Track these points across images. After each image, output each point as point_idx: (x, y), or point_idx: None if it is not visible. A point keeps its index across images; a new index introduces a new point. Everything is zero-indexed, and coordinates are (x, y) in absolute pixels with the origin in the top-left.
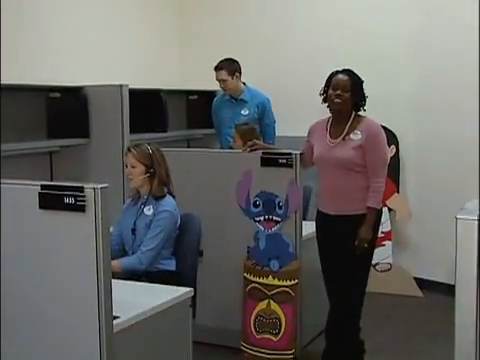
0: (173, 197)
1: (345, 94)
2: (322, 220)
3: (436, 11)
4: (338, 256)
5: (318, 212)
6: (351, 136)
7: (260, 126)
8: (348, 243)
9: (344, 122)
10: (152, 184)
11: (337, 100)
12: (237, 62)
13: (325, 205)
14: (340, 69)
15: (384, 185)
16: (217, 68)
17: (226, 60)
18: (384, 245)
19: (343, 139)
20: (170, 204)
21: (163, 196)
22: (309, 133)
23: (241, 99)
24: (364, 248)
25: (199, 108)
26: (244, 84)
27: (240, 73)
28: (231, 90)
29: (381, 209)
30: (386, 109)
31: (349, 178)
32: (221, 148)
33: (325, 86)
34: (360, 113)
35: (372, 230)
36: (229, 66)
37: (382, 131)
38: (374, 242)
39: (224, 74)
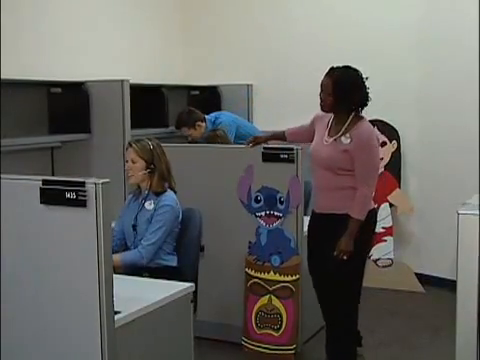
0: (174, 192)
1: (328, 98)
2: (311, 217)
3: (439, 3)
4: (320, 258)
5: (312, 210)
6: (342, 139)
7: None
8: (328, 244)
9: (342, 122)
10: (152, 180)
11: (321, 103)
12: (194, 112)
13: (314, 202)
14: (335, 66)
15: (371, 196)
16: (177, 126)
17: (183, 115)
18: (385, 240)
19: (334, 140)
20: (171, 199)
21: (164, 191)
22: (315, 118)
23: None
24: (343, 260)
25: (201, 103)
26: (205, 120)
27: (201, 119)
28: (199, 138)
29: (375, 213)
30: (387, 104)
31: (330, 178)
32: None
33: None
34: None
35: (353, 241)
36: (188, 120)
37: (374, 138)
38: (363, 253)
39: (186, 130)
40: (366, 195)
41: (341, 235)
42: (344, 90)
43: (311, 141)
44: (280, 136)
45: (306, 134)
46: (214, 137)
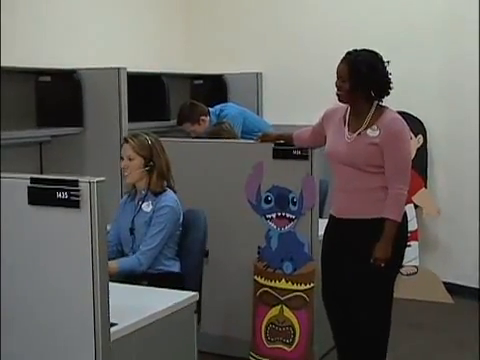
0: (174, 192)
1: (344, 85)
2: (329, 223)
3: None
4: (343, 271)
5: (329, 215)
6: (368, 132)
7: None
8: (356, 257)
9: (363, 114)
10: (150, 178)
11: (337, 92)
12: (196, 105)
13: (333, 205)
14: (351, 50)
15: (406, 193)
16: (179, 122)
17: (186, 109)
18: (410, 246)
19: (359, 134)
20: (171, 199)
21: (163, 191)
22: (324, 117)
23: None
24: (380, 268)
25: (205, 94)
26: (209, 113)
27: (205, 113)
28: (204, 133)
29: (406, 216)
30: (412, 94)
31: (362, 179)
32: None
33: None
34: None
35: (391, 247)
36: (191, 115)
37: (405, 128)
38: (398, 263)
39: (189, 126)
40: (400, 194)
41: (372, 242)
42: (362, 74)
43: (322, 145)
44: (288, 138)
45: (315, 138)
46: (219, 131)
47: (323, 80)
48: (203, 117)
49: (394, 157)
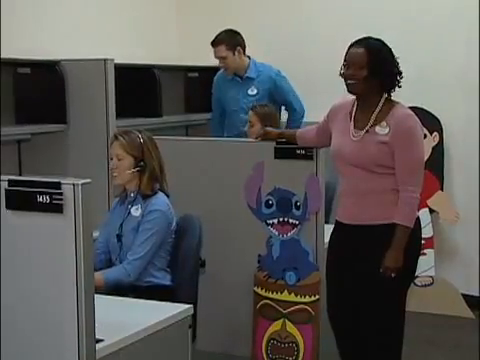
0: (167, 196)
1: (359, 73)
2: (334, 230)
3: None
4: (350, 281)
5: (335, 221)
6: (376, 129)
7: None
8: (364, 266)
9: (371, 109)
10: (141, 180)
11: (350, 81)
12: (239, 34)
13: (339, 210)
14: (361, 37)
15: (419, 196)
16: (214, 43)
17: (224, 32)
18: (425, 254)
19: (367, 131)
20: (161, 202)
21: (153, 194)
22: (329, 114)
23: (247, 77)
24: (391, 279)
25: (200, 88)
26: (249, 58)
27: (243, 47)
28: (233, 69)
29: (419, 221)
30: (427, 88)
31: (370, 181)
32: (219, 136)
33: (343, 62)
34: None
35: (402, 255)
36: (229, 39)
37: (417, 125)
38: (410, 273)
39: (223, 50)
40: (412, 197)
41: (381, 250)
42: (381, 60)
43: (327, 145)
44: (290, 137)
45: (320, 137)
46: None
47: (330, 72)
48: (240, 48)
49: (405, 157)
